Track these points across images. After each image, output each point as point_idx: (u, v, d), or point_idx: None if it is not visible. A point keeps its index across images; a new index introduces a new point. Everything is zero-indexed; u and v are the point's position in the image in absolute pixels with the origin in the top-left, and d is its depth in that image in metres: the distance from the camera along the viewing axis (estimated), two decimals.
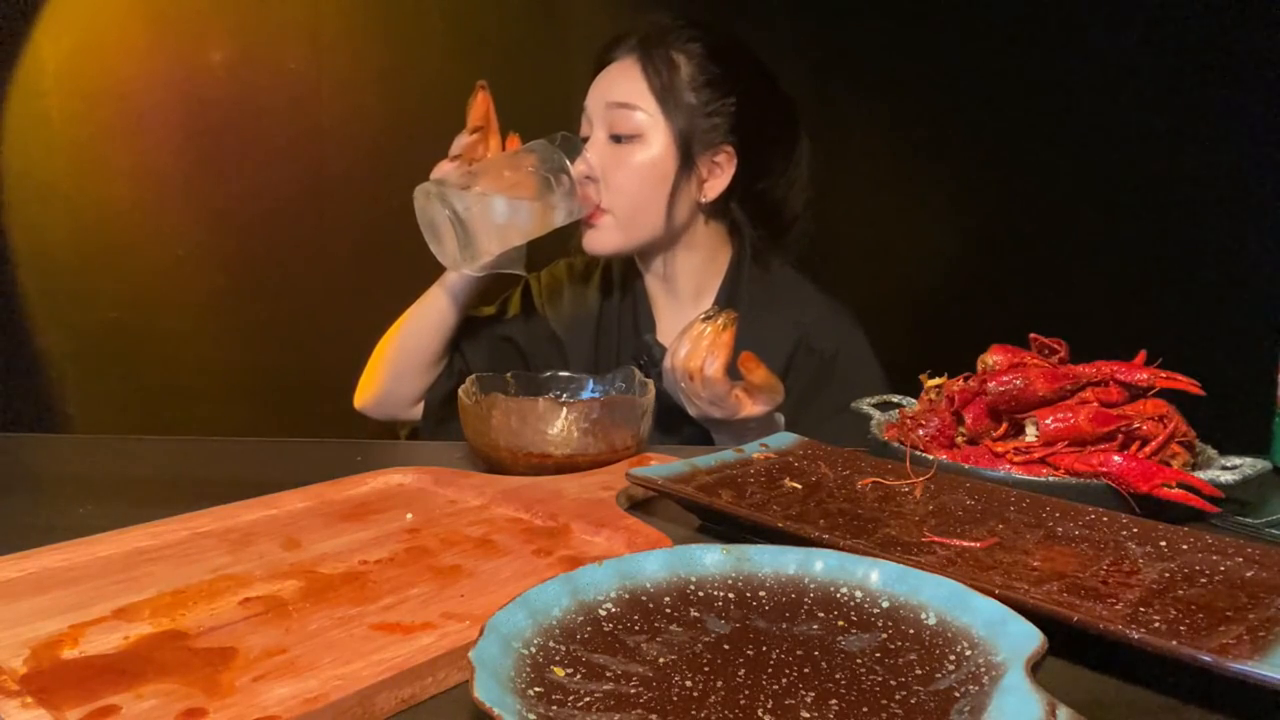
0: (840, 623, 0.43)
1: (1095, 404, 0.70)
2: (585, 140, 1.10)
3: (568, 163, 1.01)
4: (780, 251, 1.17)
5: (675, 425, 1.03)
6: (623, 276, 1.19)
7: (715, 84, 1.07)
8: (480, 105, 1.06)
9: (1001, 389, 0.70)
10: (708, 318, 0.92)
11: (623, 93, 1.07)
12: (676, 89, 1.06)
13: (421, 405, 1.15)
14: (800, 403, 1.06)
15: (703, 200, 1.10)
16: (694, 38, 1.08)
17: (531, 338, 1.17)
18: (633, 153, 1.06)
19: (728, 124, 1.08)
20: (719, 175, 1.10)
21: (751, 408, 0.93)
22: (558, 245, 1.20)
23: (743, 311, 1.01)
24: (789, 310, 1.13)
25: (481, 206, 0.97)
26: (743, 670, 0.39)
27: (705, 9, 1.14)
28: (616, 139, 1.07)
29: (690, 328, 0.93)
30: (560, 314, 1.19)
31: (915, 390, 0.83)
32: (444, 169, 1.04)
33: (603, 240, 1.09)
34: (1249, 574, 0.49)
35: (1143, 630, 0.40)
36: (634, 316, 1.17)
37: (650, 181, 1.07)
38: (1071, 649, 0.42)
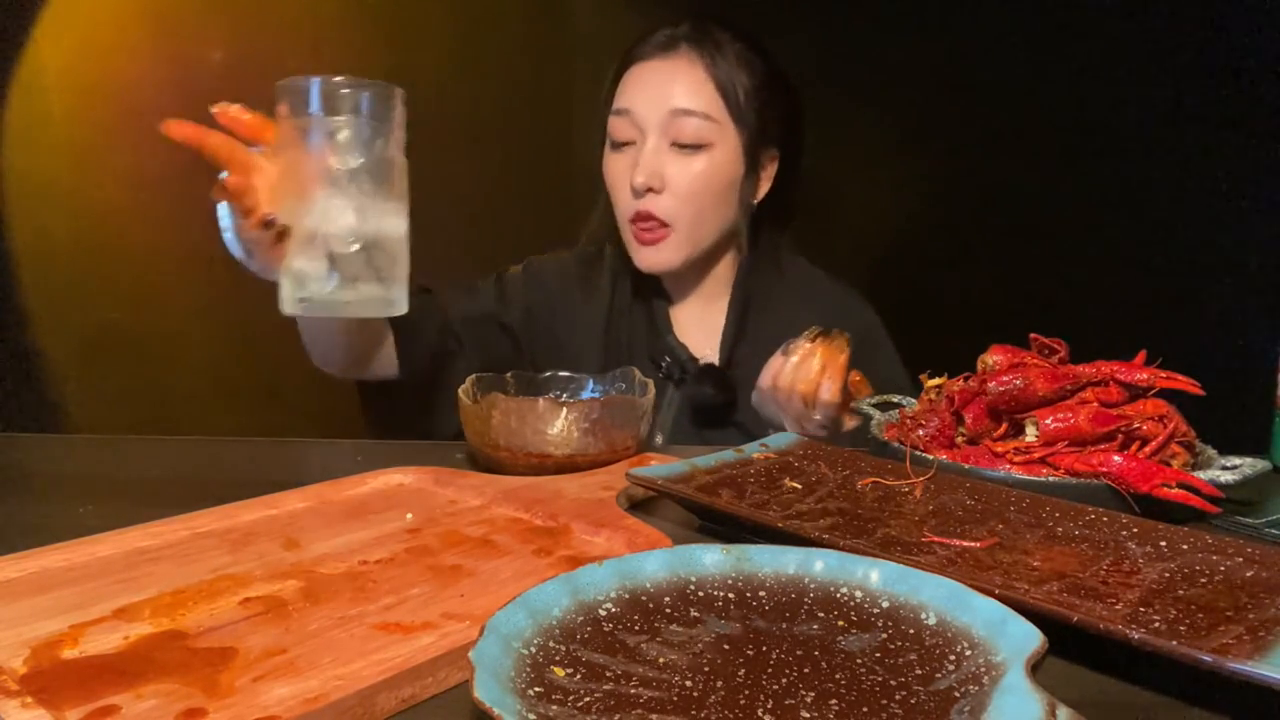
0: (840, 623, 0.43)
1: (1095, 404, 0.70)
2: (626, 143, 1.03)
3: (341, 119, 0.74)
4: (786, 245, 1.16)
5: (714, 423, 1.02)
6: (632, 274, 1.14)
7: (765, 87, 1.05)
8: (258, 125, 0.77)
9: (1001, 389, 0.70)
10: (815, 338, 0.90)
11: (691, 99, 1.01)
12: (748, 95, 1.02)
13: (389, 364, 1.02)
14: None
15: (752, 204, 1.08)
16: (737, 37, 1.05)
17: (530, 334, 1.13)
18: (699, 161, 1.02)
19: (775, 127, 1.07)
20: (766, 180, 1.09)
21: (850, 422, 0.92)
22: (540, 244, 1.17)
23: (763, 306, 1.00)
24: (809, 304, 1.12)
25: (359, 248, 0.74)
26: (743, 670, 0.39)
27: (697, 7, 1.11)
28: (680, 146, 1.01)
29: (794, 349, 0.90)
30: (562, 312, 1.15)
31: (915, 390, 0.83)
32: (278, 252, 0.75)
33: (665, 258, 1.04)
34: (1249, 574, 0.49)
35: (1143, 630, 0.40)
36: (648, 316, 1.13)
37: (719, 191, 1.03)
38: (1071, 649, 0.42)
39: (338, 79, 0.73)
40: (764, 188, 1.09)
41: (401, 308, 0.78)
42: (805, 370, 0.89)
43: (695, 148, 1.02)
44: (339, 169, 0.74)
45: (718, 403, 1.07)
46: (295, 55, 1.51)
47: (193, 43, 1.50)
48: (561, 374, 0.86)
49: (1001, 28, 1.50)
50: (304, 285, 0.74)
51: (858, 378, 0.90)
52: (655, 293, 1.14)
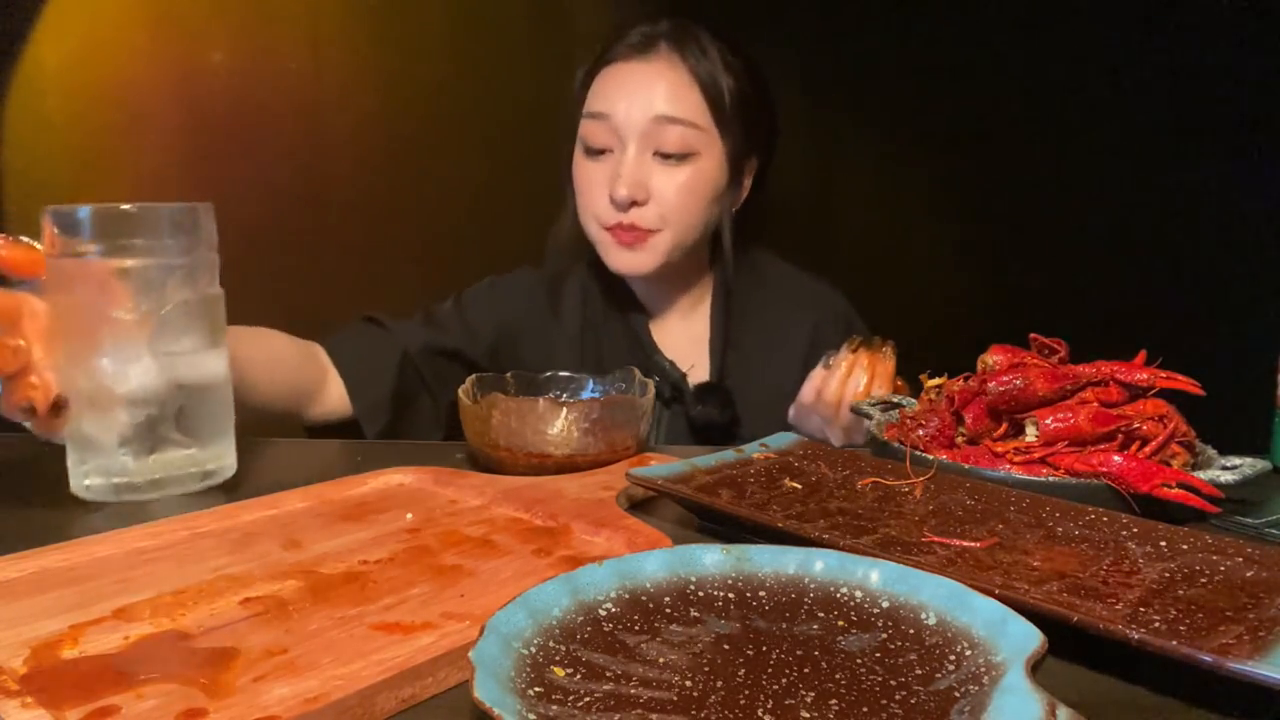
0: (840, 623, 0.43)
1: (1095, 404, 0.70)
2: (606, 152, 0.98)
3: (127, 261, 0.59)
4: (755, 248, 1.12)
5: (718, 442, 1.00)
6: (605, 290, 1.09)
7: (747, 90, 1.01)
8: (25, 258, 0.62)
9: (1001, 389, 0.70)
10: (857, 348, 0.88)
11: (676, 105, 0.96)
12: (733, 99, 0.98)
13: (336, 406, 0.97)
14: None
15: (734, 213, 1.05)
16: (716, 37, 1.00)
17: (498, 364, 1.05)
18: (684, 171, 0.97)
19: (756, 132, 1.03)
20: (745, 188, 1.06)
21: None
22: (540, 245, 1.15)
23: (744, 311, 0.98)
24: (786, 302, 1.09)
25: (156, 412, 0.61)
26: (743, 670, 0.39)
27: (691, 10, 1.08)
28: (663, 155, 0.97)
29: (838, 361, 0.88)
30: (532, 336, 1.08)
31: (915, 390, 0.83)
32: (58, 421, 0.60)
33: (643, 261, 1.00)
34: (1249, 574, 0.49)
35: (1143, 630, 0.40)
36: (628, 334, 1.08)
37: (705, 201, 0.99)
38: (1071, 649, 0.42)
39: (124, 206, 0.59)
40: (741, 197, 1.05)
41: (227, 472, 0.65)
42: (854, 382, 0.87)
43: (680, 156, 0.97)
44: (124, 318, 0.59)
45: (724, 421, 1.04)
46: (295, 55, 1.51)
47: (193, 43, 1.50)
48: (562, 374, 0.86)
49: (1001, 26, 1.50)
50: (90, 461, 0.60)
51: (900, 383, 0.89)
52: (632, 309, 1.09)
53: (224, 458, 0.65)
